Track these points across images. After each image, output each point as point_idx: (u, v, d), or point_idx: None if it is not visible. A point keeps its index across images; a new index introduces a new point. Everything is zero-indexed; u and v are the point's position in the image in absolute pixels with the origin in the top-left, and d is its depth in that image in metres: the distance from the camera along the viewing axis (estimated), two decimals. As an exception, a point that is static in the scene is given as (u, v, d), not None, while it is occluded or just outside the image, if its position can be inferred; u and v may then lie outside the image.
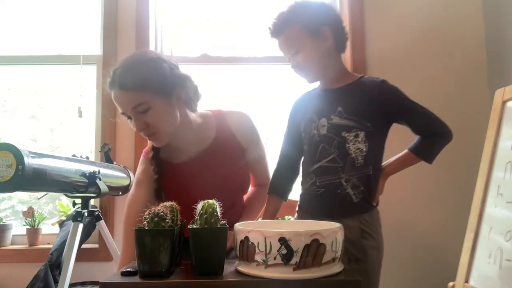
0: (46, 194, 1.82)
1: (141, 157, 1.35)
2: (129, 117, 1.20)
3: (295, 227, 1.01)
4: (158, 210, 0.85)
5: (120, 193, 1.83)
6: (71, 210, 1.94)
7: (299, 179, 1.33)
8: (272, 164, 1.39)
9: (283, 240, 0.78)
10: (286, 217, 1.71)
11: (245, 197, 1.41)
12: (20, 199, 2.22)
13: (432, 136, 1.21)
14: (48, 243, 1.96)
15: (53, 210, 2.13)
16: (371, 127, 1.17)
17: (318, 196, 1.20)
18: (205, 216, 0.84)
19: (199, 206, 0.87)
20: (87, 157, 1.62)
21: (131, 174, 1.85)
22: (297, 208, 1.31)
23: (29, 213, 1.96)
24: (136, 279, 0.81)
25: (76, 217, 1.53)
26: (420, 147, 1.21)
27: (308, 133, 1.25)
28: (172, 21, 2.21)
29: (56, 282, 1.66)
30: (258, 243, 0.80)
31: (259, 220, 1.35)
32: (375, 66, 2.02)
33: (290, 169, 1.32)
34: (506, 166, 1.00)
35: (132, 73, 1.15)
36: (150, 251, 0.81)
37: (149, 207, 0.86)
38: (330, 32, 1.21)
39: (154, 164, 1.29)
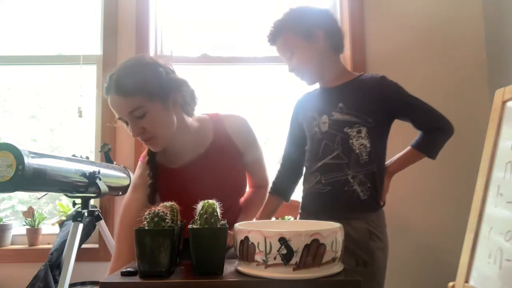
0: (46, 194, 1.82)
1: (139, 162, 1.35)
2: (126, 122, 1.20)
3: (295, 227, 1.01)
4: (158, 210, 0.85)
5: (120, 193, 1.83)
6: (71, 210, 1.94)
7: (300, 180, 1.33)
8: (270, 165, 1.39)
9: (283, 240, 0.78)
10: (286, 217, 1.71)
11: (242, 199, 1.41)
12: (20, 199, 2.22)
13: (434, 131, 1.21)
14: (48, 243, 1.96)
15: (53, 210, 2.13)
16: (372, 123, 1.17)
17: (323, 195, 1.19)
18: (205, 216, 0.84)
19: (199, 206, 0.87)
20: (87, 157, 1.63)
21: (131, 174, 1.85)
22: (299, 210, 1.31)
23: (29, 213, 1.96)
24: (136, 279, 0.81)
25: (76, 217, 1.53)
26: (423, 143, 1.21)
27: (310, 131, 1.25)
28: (172, 21, 2.21)
29: (56, 282, 1.66)
30: (258, 243, 0.80)
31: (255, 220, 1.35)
32: (375, 66, 2.02)
33: (293, 170, 1.33)
34: (506, 166, 1.01)
35: (128, 78, 1.15)
36: (150, 251, 0.81)
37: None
38: (323, 34, 1.22)
39: (149, 169, 1.29)
